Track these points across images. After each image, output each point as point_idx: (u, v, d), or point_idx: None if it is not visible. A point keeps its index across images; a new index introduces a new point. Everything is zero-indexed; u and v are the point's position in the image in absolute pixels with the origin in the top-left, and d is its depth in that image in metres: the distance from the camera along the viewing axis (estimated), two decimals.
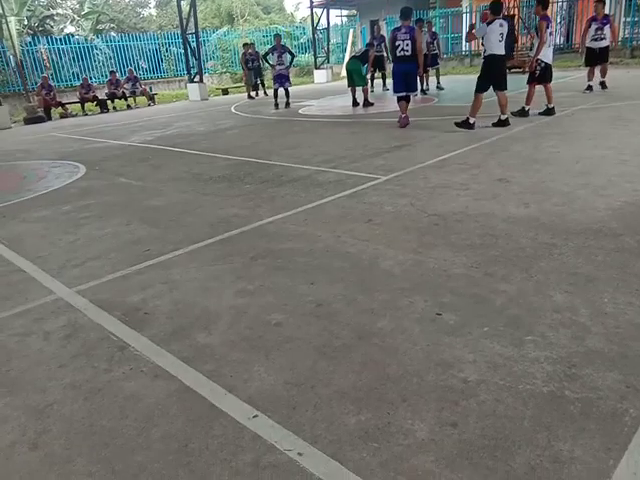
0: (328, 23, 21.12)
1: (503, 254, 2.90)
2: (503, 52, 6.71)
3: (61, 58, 17.84)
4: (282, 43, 11.84)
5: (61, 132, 11.12)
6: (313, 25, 20.51)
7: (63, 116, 14.61)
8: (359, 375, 1.94)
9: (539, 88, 7.31)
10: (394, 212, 3.79)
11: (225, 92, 18.22)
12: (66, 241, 3.79)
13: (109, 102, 15.44)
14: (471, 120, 6.76)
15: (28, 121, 13.58)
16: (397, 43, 7.11)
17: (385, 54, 11.83)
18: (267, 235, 3.55)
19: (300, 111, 10.91)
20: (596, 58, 9.27)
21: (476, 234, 3.22)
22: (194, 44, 16.26)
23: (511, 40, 14.96)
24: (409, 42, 7.02)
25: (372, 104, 10.31)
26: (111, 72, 15.87)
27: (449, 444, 1.58)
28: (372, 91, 12.12)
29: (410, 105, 7.63)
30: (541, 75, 7.25)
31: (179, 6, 16.53)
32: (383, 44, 11.76)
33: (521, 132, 6.42)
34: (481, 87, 6.74)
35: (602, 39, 9.20)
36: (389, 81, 11.19)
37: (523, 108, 7.36)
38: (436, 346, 2.08)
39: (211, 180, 5.37)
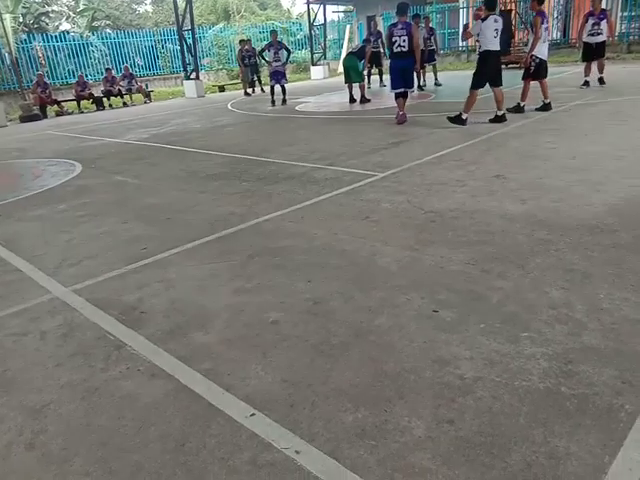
0: (325, 19, 21.09)
1: (500, 251, 2.90)
2: (498, 48, 6.70)
3: (56, 55, 17.75)
4: (278, 39, 11.80)
5: (57, 130, 11.07)
6: (310, 21, 20.45)
7: (59, 114, 14.55)
8: (356, 373, 1.95)
9: (534, 84, 7.31)
10: (391, 209, 3.79)
11: (221, 89, 18.17)
12: (62, 240, 3.78)
13: (105, 99, 15.39)
14: (464, 116, 6.76)
15: (24, 119, 13.53)
16: (394, 39, 7.09)
17: (382, 50, 11.80)
18: (264, 233, 3.55)
19: (297, 108, 10.89)
20: (593, 53, 9.26)
21: (473, 231, 3.23)
22: (190, 41, 16.21)
23: (508, 36, 15.00)
24: (406, 38, 7.00)
25: (369, 100, 10.29)
26: (107, 69, 15.81)
27: (446, 441, 1.58)
28: (369, 87, 12.09)
29: (407, 101, 7.62)
30: (535, 71, 7.24)
31: (175, 2, 16.48)
32: (380, 40, 11.72)
33: (518, 128, 6.42)
34: (477, 84, 6.73)
35: (599, 34, 9.19)
36: (386, 77, 11.21)
37: (518, 104, 7.36)
38: (433, 343, 2.09)
39: (208, 178, 5.36)
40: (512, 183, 4.14)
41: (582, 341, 2.01)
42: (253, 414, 1.77)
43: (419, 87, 10.95)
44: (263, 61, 12.18)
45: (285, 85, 11.63)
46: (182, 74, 17.67)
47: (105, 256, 3.37)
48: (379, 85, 12.75)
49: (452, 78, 13.29)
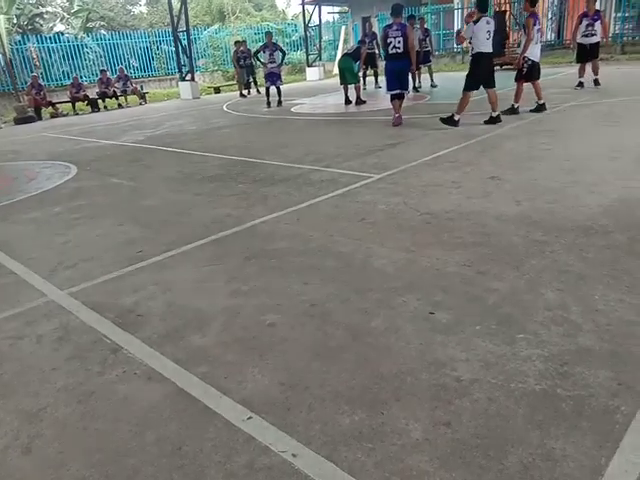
0: (320, 20, 21.07)
1: (495, 252, 2.91)
2: (491, 50, 6.73)
3: (51, 57, 17.67)
4: (273, 41, 11.80)
5: (52, 132, 11.03)
6: (305, 22, 20.45)
7: (54, 116, 14.49)
8: (353, 375, 1.95)
9: (527, 85, 7.34)
10: (387, 211, 3.80)
11: (217, 90, 18.14)
12: (58, 243, 3.77)
13: (100, 101, 15.34)
14: (456, 117, 6.78)
15: (18, 121, 13.46)
16: (389, 40, 7.11)
17: (377, 51, 11.82)
18: (260, 235, 3.55)
19: (292, 109, 10.89)
20: (587, 54, 9.32)
21: (468, 232, 3.24)
22: (185, 42, 16.16)
23: (502, 37, 15.06)
24: (401, 39, 7.02)
25: (364, 102, 10.30)
26: (102, 71, 15.74)
27: (443, 443, 1.59)
28: (364, 89, 12.11)
29: (403, 103, 7.63)
30: (528, 73, 7.27)
31: (170, 3, 16.41)
32: (375, 41, 11.75)
33: (512, 129, 6.45)
34: (469, 86, 6.76)
35: (593, 35, 9.25)
36: (381, 78, 11.23)
37: (512, 106, 7.39)
38: (429, 345, 2.09)
39: (204, 180, 5.35)
40: (507, 184, 4.16)
41: (577, 342, 2.02)
42: (250, 417, 1.77)
43: (414, 88, 10.97)
44: (259, 62, 12.18)
45: (281, 86, 11.63)
46: (177, 75, 17.64)
47: (101, 259, 3.37)
48: (374, 86, 12.78)
49: (447, 79, 13.33)
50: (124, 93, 15.73)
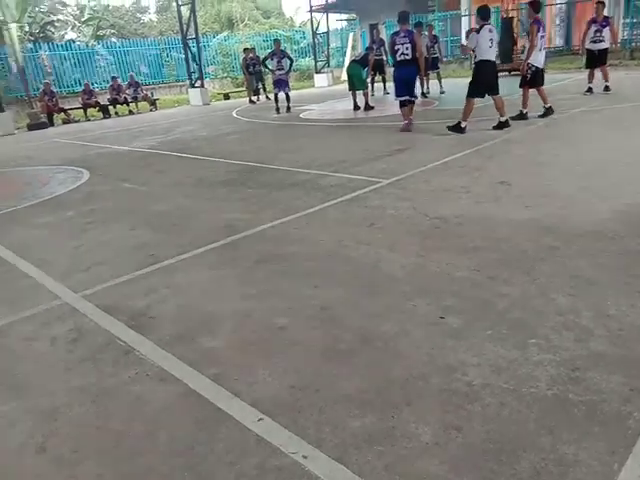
0: (328, 27, 21.20)
1: (505, 257, 2.91)
2: (493, 58, 6.76)
3: (62, 64, 17.94)
4: (281, 48, 11.90)
5: (64, 138, 11.17)
6: (313, 29, 20.59)
7: (66, 122, 14.68)
8: (363, 378, 1.96)
9: (533, 91, 7.34)
10: (396, 216, 3.81)
11: (226, 97, 18.29)
12: (71, 246, 3.82)
13: (111, 108, 15.53)
14: (463, 124, 6.80)
15: (31, 127, 13.65)
16: (397, 47, 7.14)
17: (385, 58, 11.87)
18: (270, 239, 3.57)
19: (301, 115, 10.95)
20: (595, 60, 9.30)
21: (478, 237, 3.24)
22: (195, 49, 16.34)
23: (510, 43, 15.06)
24: (409, 46, 7.05)
25: (373, 108, 10.34)
26: (113, 78, 15.96)
27: (453, 448, 1.59)
28: (373, 95, 12.15)
29: (413, 108, 7.64)
30: (532, 79, 7.26)
31: (179, 11, 16.63)
32: (383, 48, 11.80)
33: (521, 135, 6.44)
34: (473, 92, 6.78)
35: (601, 41, 9.22)
36: (389, 85, 11.26)
37: (521, 111, 7.38)
38: (440, 349, 2.09)
39: (214, 185, 5.39)
40: (517, 189, 4.15)
41: (589, 348, 2.02)
42: (261, 419, 1.78)
43: (423, 94, 10.99)
44: (267, 69, 12.27)
45: (289, 93, 11.71)
46: (187, 82, 17.81)
47: (113, 262, 3.40)
48: (382, 93, 12.81)
49: (455, 86, 13.33)
50: (135, 100, 15.91)
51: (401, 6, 11.27)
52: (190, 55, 16.52)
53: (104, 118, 15.12)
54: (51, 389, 2.07)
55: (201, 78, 16.68)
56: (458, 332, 2.20)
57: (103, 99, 15.49)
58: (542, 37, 7.24)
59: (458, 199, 4.05)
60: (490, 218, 3.56)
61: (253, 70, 14.94)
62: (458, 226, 3.47)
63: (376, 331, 2.27)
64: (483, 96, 6.80)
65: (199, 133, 9.79)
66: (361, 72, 10.15)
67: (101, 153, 8.39)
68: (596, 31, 9.22)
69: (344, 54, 23.11)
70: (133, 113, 15.81)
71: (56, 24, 24.35)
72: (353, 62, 10.68)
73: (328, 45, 21.27)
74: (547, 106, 7.33)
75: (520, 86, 7.43)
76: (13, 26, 16.70)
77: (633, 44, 15.41)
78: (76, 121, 14.92)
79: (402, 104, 7.43)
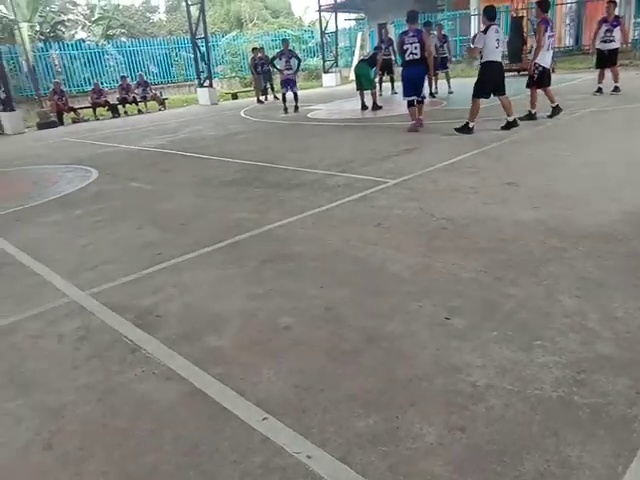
0: (336, 27, 21.17)
1: (512, 258, 2.90)
2: (500, 59, 6.72)
3: (72, 63, 18.08)
4: (290, 48, 11.92)
5: (73, 137, 11.26)
6: (321, 29, 20.58)
7: (75, 121, 14.79)
8: (368, 379, 1.96)
9: (541, 91, 7.29)
10: (403, 216, 3.80)
11: (234, 96, 18.34)
12: (79, 245, 3.85)
13: (120, 107, 15.61)
14: (470, 124, 6.77)
15: (41, 126, 13.77)
16: (405, 47, 7.12)
17: (393, 57, 11.85)
18: (277, 239, 3.58)
19: (309, 115, 10.96)
20: (605, 60, 9.22)
21: (485, 238, 3.23)
22: (203, 49, 16.41)
23: (520, 43, 14.96)
24: (417, 45, 7.03)
25: (381, 107, 10.33)
26: (122, 77, 16.07)
27: (458, 448, 1.59)
28: (381, 95, 12.13)
29: (422, 108, 7.61)
30: (539, 79, 7.21)
31: (188, 11, 16.71)
32: (391, 47, 11.78)
33: (529, 135, 6.40)
34: (478, 93, 6.75)
35: (611, 41, 9.14)
36: (397, 84, 11.24)
37: (530, 112, 7.34)
38: (445, 350, 2.09)
39: (221, 184, 5.42)
40: (524, 190, 4.13)
41: (595, 350, 2.00)
42: (265, 418, 1.79)
43: (431, 94, 10.96)
44: (275, 69, 12.30)
45: (297, 92, 11.73)
46: (196, 82, 17.87)
47: (121, 261, 3.43)
48: (390, 92, 12.79)
49: (464, 85, 13.28)
50: (144, 99, 16.00)
51: (410, 5, 11.26)
52: (199, 55, 16.59)
53: (113, 117, 15.22)
54: (58, 387, 2.09)
55: (210, 78, 16.73)
56: (463, 333, 2.20)
57: (112, 98, 15.59)
58: (550, 37, 7.18)
59: (465, 200, 4.03)
60: (497, 219, 3.54)
61: (261, 70, 14.97)
62: (465, 227, 3.46)
63: (381, 331, 2.27)
64: (488, 96, 6.77)
65: (207, 133, 9.83)
66: (369, 72, 10.13)
67: (109, 152, 8.45)
68: (607, 31, 9.14)
69: (352, 54, 23.08)
70: (142, 112, 15.90)
71: (67, 23, 24.55)
72: (361, 62, 10.67)
73: (336, 45, 21.26)
74: (554, 105, 7.28)
75: (527, 86, 7.39)
76: (24, 25, 16.87)
77: None
78: (85, 120, 15.03)
79: (410, 104, 7.41)
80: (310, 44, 24.08)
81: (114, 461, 1.67)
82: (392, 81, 12.80)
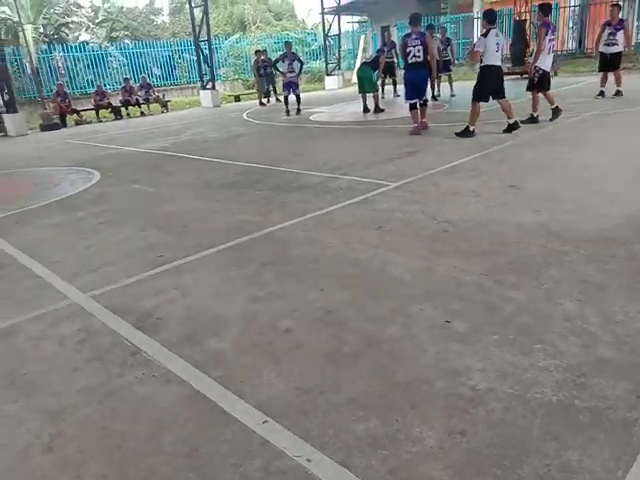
0: (339, 29, 21.22)
1: (513, 261, 2.89)
2: (499, 63, 6.71)
3: (76, 65, 18.16)
4: (293, 51, 11.95)
5: (76, 139, 11.30)
6: (324, 31, 20.63)
7: (78, 123, 14.84)
8: (368, 382, 1.96)
9: (540, 95, 7.29)
10: (404, 219, 3.80)
11: (237, 99, 18.38)
12: (81, 247, 3.86)
13: (123, 109, 15.68)
14: (471, 128, 6.78)
15: (44, 128, 13.82)
16: (408, 49, 7.13)
17: (396, 60, 11.85)
18: (278, 241, 3.58)
19: (311, 117, 10.97)
20: (608, 64, 9.21)
21: (486, 241, 3.22)
22: (206, 51, 16.45)
23: (522, 46, 14.97)
24: (420, 48, 7.04)
25: (383, 110, 10.33)
26: (125, 79, 16.12)
27: (458, 452, 1.58)
28: (383, 97, 12.14)
29: (426, 111, 7.62)
30: (539, 82, 7.21)
31: (192, 13, 16.76)
32: (394, 50, 11.80)
33: (531, 139, 6.40)
34: (477, 96, 6.76)
35: (614, 44, 9.13)
36: (400, 87, 11.24)
37: (532, 115, 7.34)
38: (445, 353, 2.09)
39: (223, 186, 5.43)
40: (526, 193, 4.13)
41: (596, 354, 2.00)
42: (266, 421, 1.79)
43: (433, 97, 10.96)
44: (278, 72, 12.33)
45: (300, 95, 11.75)
46: (198, 84, 17.92)
47: (122, 263, 3.44)
48: (393, 95, 12.80)
49: (466, 89, 13.28)
50: (147, 101, 16.05)
51: (413, 8, 11.31)
52: (202, 57, 16.64)
53: (116, 119, 15.27)
54: (58, 389, 2.10)
55: (212, 80, 16.78)
56: (464, 336, 2.20)
57: (115, 100, 15.65)
58: (551, 40, 7.18)
59: (467, 203, 4.03)
60: (498, 222, 3.54)
61: (264, 72, 15.00)
62: (466, 230, 3.45)
63: (382, 334, 2.27)
64: (487, 100, 6.78)
65: (210, 135, 9.86)
66: (371, 75, 10.14)
67: (112, 154, 8.47)
68: (610, 34, 9.14)
69: (355, 56, 23.10)
70: (145, 115, 15.95)
71: (70, 26, 24.70)
72: (364, 64, 10.68)
73: (339, 47, 21.31)
74: (554, 107, 7.27)
75: (527, 89, 7.39)
76: (28, 27, 16.99)
77: None
78: (88, 122, 15.08)
79: (412, 107, 7.42)
80: (313, 47, 24.13)
81: (114, 464, 1.67)
82: (394, 84, 12.81)
